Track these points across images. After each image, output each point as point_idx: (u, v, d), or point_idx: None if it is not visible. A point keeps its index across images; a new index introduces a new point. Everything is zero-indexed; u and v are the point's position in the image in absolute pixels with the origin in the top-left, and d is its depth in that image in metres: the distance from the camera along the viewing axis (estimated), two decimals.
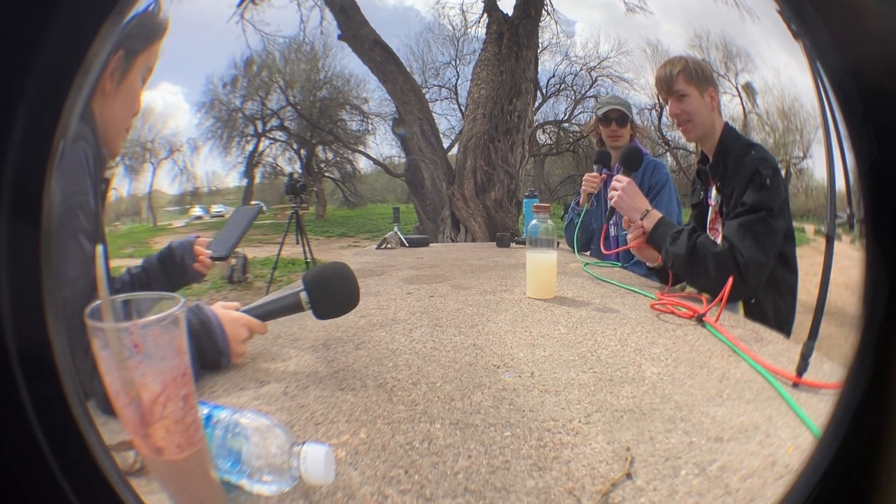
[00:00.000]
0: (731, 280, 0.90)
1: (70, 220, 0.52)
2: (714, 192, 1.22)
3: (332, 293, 0.74)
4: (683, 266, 1.10)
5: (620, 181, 1.27)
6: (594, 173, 1.81)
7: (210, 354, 0.68)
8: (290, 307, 0.74)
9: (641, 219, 1.22)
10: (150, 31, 0.63)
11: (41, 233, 0.25)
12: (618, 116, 1.84)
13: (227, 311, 0.73)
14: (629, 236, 1.30)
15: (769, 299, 1.11)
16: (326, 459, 0.40)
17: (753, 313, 1.09)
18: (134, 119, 0.66)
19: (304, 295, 0.72)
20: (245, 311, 0.75)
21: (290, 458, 0.41)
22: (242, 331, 0.72)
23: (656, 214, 1.21)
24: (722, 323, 0.87)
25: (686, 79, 1.17)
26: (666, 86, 1.21)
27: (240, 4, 8.52)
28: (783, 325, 1.11)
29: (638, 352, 0.76)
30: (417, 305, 1.10)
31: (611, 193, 1.28)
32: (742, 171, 1.08)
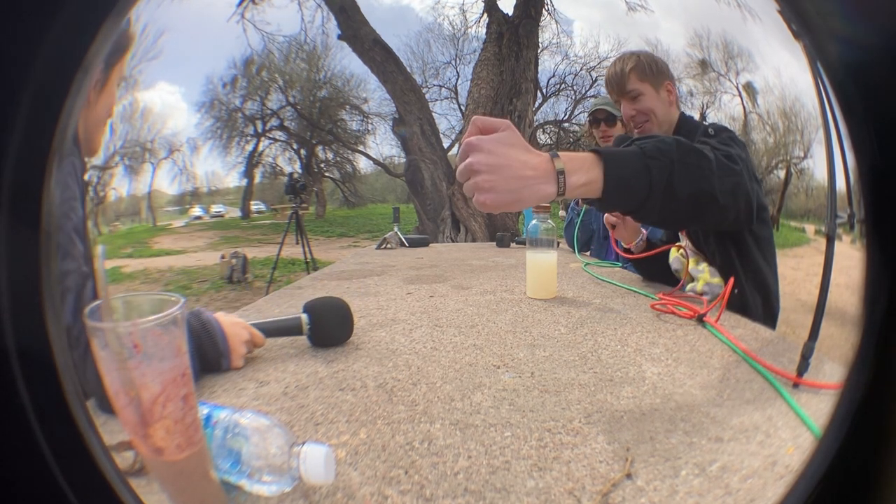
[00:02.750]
0: (731, 281, 0.90)
1: (65, 222, 0.56)
2: None
3: (331, 326, 0.81)
4: (676, 147, 0.71)
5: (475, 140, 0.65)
6: None
7: (210, 355, 0.68)
8: (289, 329, 0.80)
9: (563, 180, 0.61)
10: (123, 43, 0.67)
11: (41, 233, 0.25)
12: (605, 116, 1.84)
13: (229, 317, 0.75)
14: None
15: (749, 290, 1.06)
16: (326, 460, 0.40)
17: (735, 299, 1.03)
18: (109, 118, 0.70)
19: (304, 317, 0.79)
20: None
21: (290, 458, 0.41)
22: (244, 333, 0.73)
23: (578, 158, 0.65)
24: (722, 323, 0.87)
25: (639, 76, 1.09)
26: (617, 86, 1.11)
27: (240, 4, 8.54)
28: (761, 317, 1.06)
29: (638, 352, 0.76)
30: (417, 305, 1.09)
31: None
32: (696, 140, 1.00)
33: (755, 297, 1.06)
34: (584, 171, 0.64)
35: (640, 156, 0.67)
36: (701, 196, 0.72)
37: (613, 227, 1.21)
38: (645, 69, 1.09)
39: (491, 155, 0.59)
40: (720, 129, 0.99)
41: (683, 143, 0.72)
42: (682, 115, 1.13)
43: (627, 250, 1.24)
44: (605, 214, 1.16)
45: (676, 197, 0.68)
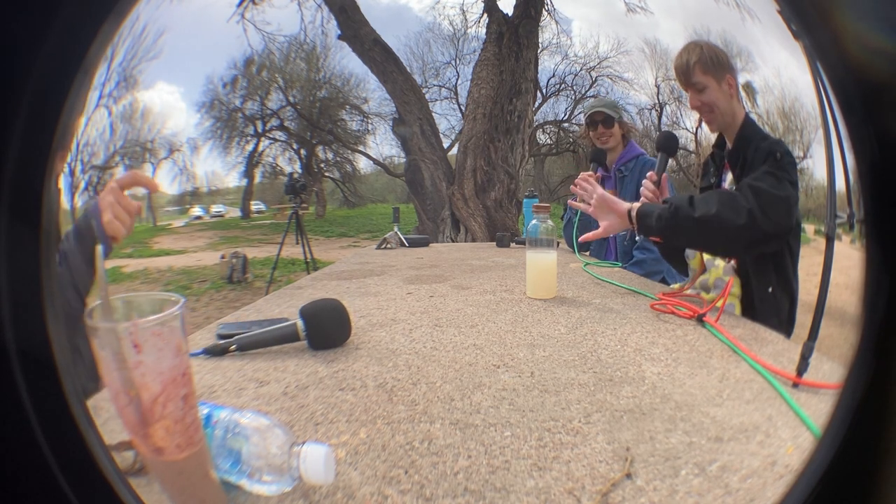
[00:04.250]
0: (731, 280, 0.90)
1: None
2: (730, 177, 1.21)
3: (328, 329, 0.81)
4: (715, 208, 1.00)
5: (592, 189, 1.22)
6: (589, 172, 1.81)
7: (83, 228, 0.65)
8: (286, 337, 0.80)
9: (630, 211, 1.15)
10: None
11: (41, 233, 0.25)
12: (602, 118, 1.84)
13: None
14: (644, 189, 1.23)
15: (777, 294, 1.09)
16: (326, 459, 0.40)
17: (767, 305, 1.08)
18: None
19: (300, 323, 0.79)
20: (240, 338, 0.78)
21: (290, 458, 0.41)
22: (108, 196, 0.67)
23: (636, 205, 1.15)
24: (722, 323, 0.87)
25: (703, 69, 1.14)
26: (684, 77, 1.18)
27: (240, 4, 8.54)
28: (785, 322, 1.10)
29: (638, 352, 0.76)
30: (417, 305, 1.09)
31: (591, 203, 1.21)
32: (759, 156, 1.08)
33: (783, 300, 1.09)
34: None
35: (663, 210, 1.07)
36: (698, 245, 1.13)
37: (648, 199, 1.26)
38: (708, 62, 1.14)
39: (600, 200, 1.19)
40: (786, 153, 1.05)
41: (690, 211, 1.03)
42: (747, 117, 1.16)
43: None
44: (642, 198, 1.24)
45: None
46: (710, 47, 1.17)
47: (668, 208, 1.05)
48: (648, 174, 1.23)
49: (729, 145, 1.18)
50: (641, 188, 1.24)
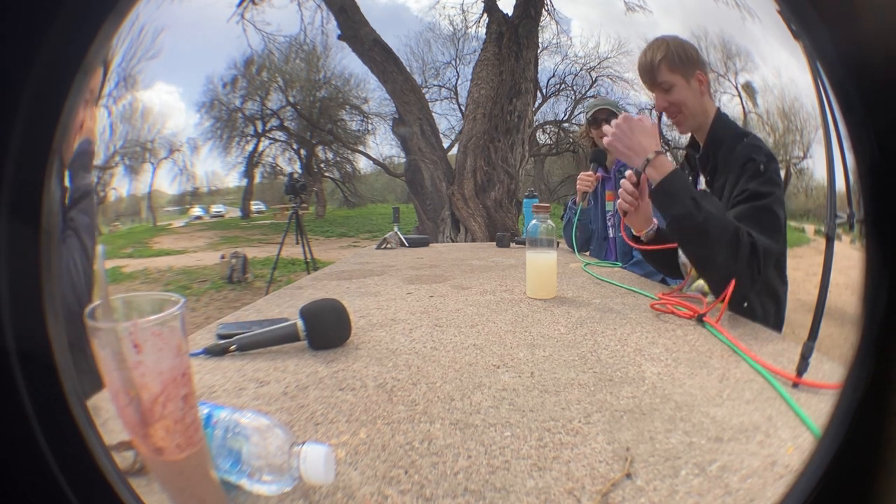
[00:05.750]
0: (733, 283, 0.90)
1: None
2: (703, 180, 1.15)
3: (328, 329, 0.81)
4: (716, 229, 0.90)
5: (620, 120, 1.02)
6: (589, 172, 1.81)
7: None
8: (286, 337, 0.80)
9: (646, 164, 0.96)
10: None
11: (41, 233, 0.25)
12: (606, 116, 1.84)
13: None
14: (622, 190, 1.07)
15: (760, 302, 1.04)
16: (326, 459, 0.40)
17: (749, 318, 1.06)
18: None
19: (300, 323, 0.79)
20: (240, 338, 0.78)
21: (290, 458, 0.41)
22: None
23: (667, 162, 0.96)
24: (722, 323, 0.87)
25: (669, 66, 1.06)
26: (649, 77, 1.09)
27: (240, 4, 8.54)
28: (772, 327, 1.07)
29: (638, 352, 0.76)
30: (417, 305, 1.09)
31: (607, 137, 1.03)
32: (734, 160, 1.00)
33: (768, 307, 1.04)
34: (658, 170, 0.96)
35: (688, 190, 0.94)
36: (696, 258, 0.98)
37: (626, 213, 1.14)
38: (675, 59, 1.06)
39: (623, 127, 1.00)
40: (769, 161, 0.98)
41: (721, 225, 0.91)
42: (719, 113, 1.09)
43: (636, 239, 1.17)
44: (619, 200, 1.11)
45: (702, 218, 0.92)
46: (678, 43, 1.08)
47: (709, 207, 0.92)
48: (627, 174, 1.08)
49: (700, 147, 1.12)
50: (619, 189, 1.10)
